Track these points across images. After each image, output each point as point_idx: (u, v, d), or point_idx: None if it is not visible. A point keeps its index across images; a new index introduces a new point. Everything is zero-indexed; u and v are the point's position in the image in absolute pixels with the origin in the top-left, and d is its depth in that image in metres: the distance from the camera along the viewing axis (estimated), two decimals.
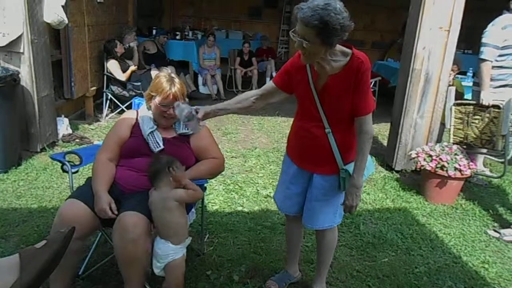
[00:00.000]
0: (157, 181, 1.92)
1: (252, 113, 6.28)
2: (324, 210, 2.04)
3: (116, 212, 1.93)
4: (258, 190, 3.60)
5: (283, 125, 5.72)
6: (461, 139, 3.70)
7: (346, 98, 1.82)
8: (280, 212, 2.26)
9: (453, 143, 3.68)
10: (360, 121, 1.85)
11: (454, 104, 3.71)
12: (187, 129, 2.07)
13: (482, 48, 3.68)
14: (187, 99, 2.25)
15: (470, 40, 7.14)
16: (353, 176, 1.88)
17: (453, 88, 3.82)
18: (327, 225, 2.08)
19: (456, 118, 3.70)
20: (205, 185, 2.43)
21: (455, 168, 3.40)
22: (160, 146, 2.13)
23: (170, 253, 1.89)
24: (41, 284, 1.34)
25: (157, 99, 2.14)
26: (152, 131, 2.16)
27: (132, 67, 5.55)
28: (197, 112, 1.92)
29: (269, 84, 2.06)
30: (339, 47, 1.79)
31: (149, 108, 2.24)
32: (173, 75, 2.22)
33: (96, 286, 2.23)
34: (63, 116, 4.66)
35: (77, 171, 2.36)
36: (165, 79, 2.16)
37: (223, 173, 3.80)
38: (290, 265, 2.40)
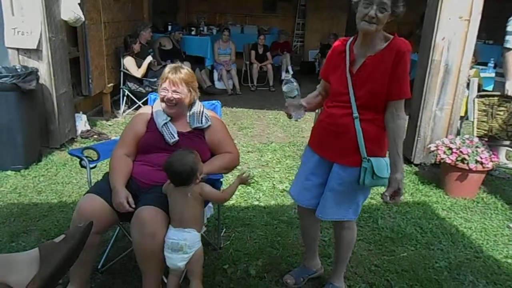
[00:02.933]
0: (186, 185, 1.92)
1: (268, 107, 6.27)
2: (337, 201, 1.99)
3: (133, 206, 1.94)
4: (274, 185, 3.59)
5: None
6: (486, 132, 3.59)
7: (381, 81, 1.80)
8: (297, 204, 2.21)
9: (477, 136, 3.58)
10: (397, 105, 1.82)
11: (477, 96, 3.60)
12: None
13: (507, 37, 3.56)
14: (198, 94, 2.27)
15: (491, 30, 6.94)
16: (394, 161, 1.84)
17: (475, 80, 3.72)
18: (337, 217, 2.04)
19: (479, 111, 3.59)
20: (221, 179, 2.43)
21: (476, 161, 3.32)
22: (175, 138, 2.13)
23: (197, 241, 1.90)
24: (61, 278, 1.36)
25: (161, 85, 2.18)
26: (165, 123, 2.17)
27: (148, 59, 5.53)
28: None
29: (321, 80, 2.09)
30: (383, 32, 1.84)
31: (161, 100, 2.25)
32: (182, 66, 2.23)
33: (115, 279, 2.26)
34: (81, 112, 4.74)
35: (95, 166, 2.40)
36: (169, 68, 2.19)
37: (239, 167, 3.84)
38: (308, 260, 2.37)
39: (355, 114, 1.86)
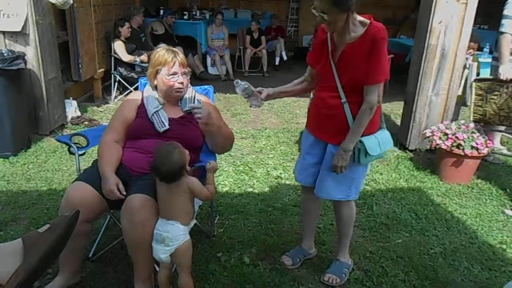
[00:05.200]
0: (177, 180, 1.83)
1: None
2: (336, 181, 2.04)
3: (124, 193, 1.88)
4: (268, 171, 3.55)
5: (293, 105, 5.62)
6: (481, 116, 3.58)
7: (362, 67, 1.84)
8: (297, 182, 2.28)
9: (473, 121, 3.55)
10: (366, 89, 1.87)
11: (475, 80, 3.57)
12: (252, 104, 2.09)
13: (502, 21, 3.52)
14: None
15: (486, 15, 6.89)
16: (344, 140, 1.92)
17: (474, 64, 3.68)
18: (340, 196, 2.09)
19: (476, 95, 3.56)
20: None
21: (472, 147, 3.30)
22: (165, 126, 2.07)
23: (180, 234, 1.83)
24: (46, 269, 1.31)
25: (164, 71, 2.09)
26: (157, 111, 2.10)
27: (144, 57, 5.32)
28: (260, 93, 2.06)
29: (308, 66, 2.13)
30: (359, 17, 1.84)
31: (154, 88, 2.18)
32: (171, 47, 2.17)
33: (106, 268, 2.22)
34: (71, 98, 4.63)
35: (84, 153, 2.33)
36: (164, 50, 2.11)
37: (232, 154, 3.80)
38: (305, 240, 2.40)
39: (343, 99, 1.92)
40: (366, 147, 1.93)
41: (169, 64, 2.08)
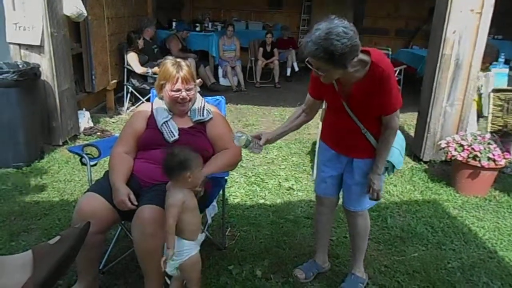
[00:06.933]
0: (170, 178, 1.80)
1: (273, 104, 6.19)
2: (365, 192, 2.03)
3: (135, 203, 1.87)
4: (280, 183, 3.51)
5: None
6: (500, 127, 3.51)
7: (373, 101, 1.82)
8: (315, 192, 2.27)
9: (491, 132, 3.48)
10: (387, 119, 1.88)
11: (493, 91, 3.51)
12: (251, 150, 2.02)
13: None
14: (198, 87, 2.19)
15: (500, 25, 6.81)
16: (376, 165, 1.93)
17: (491, 73, 3.61)
18: (369, 205, 2.12)
19: (495, 106, 3.50)
20: (226, 177, 2.36)
21: (489, 158, 3.22)
22: (174, 136, 2.07)
23: (185, 249, 1.77)
24: (56, 281, 1.29)
25: (167, 86, 2.09)
26: (166, 121, 2.10)
27: (156, 69, 5.39)
28: (259, 139, 1.99)
29: (308, 96, 2.08)
30: (356, 58, 1.72)
31: (161, 98, 2.18)
32: (179, 59, 2.15)
33: (116, 280, 2.20)
34: (84, 109, 4.68)
35: (95, 164, 2.33)
36: (170, 64, 2.11)
37: (244, 165, 3.78)
38: (318, 254, 2.35)
39: (364, 130, 1.92)
40: (394, 164, 2.01)
41: (172, 80, 2.07)
